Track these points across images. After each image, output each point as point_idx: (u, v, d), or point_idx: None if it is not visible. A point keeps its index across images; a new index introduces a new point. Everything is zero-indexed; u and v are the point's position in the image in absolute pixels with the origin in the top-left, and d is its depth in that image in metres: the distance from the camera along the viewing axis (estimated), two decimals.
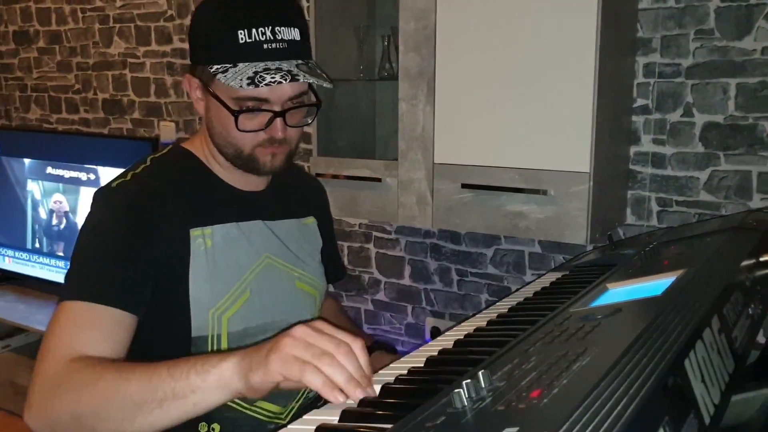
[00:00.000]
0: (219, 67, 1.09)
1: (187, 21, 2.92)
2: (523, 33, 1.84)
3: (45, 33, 3.51)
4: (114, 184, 1.14)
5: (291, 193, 1.34)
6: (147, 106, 3.20)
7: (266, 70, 1.06)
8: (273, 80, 1.05)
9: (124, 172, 1.17)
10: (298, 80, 1.08)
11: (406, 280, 2.61)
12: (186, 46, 2.99)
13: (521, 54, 1.85)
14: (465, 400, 0.66)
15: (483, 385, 0.69)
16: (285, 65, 1.08)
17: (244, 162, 1.16)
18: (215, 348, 1.15)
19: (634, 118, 2.09)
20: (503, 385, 0.69)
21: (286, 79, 1.06)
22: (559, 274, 1.41)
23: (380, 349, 1.37)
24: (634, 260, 1.25)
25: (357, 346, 0.82)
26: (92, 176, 2.95)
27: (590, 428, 0.54)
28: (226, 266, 1.16)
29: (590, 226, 1.84)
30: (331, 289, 1.54)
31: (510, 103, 1.88)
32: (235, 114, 1.10)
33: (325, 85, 1.13)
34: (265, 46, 1.08)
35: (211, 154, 1.21)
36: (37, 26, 3.53)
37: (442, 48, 1.96)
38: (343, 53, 2.29)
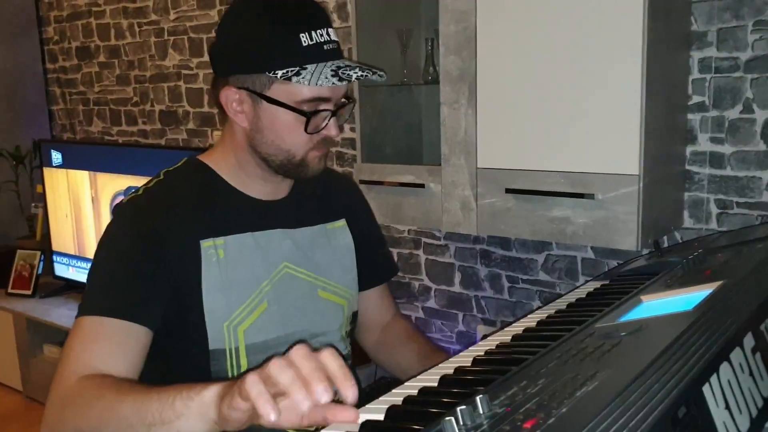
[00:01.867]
0: (287, 71, 1.08)
1: None
2: (566, 31, 1.77)
3: (105, 48, 3.62)
4: (126, 200, 1.16)
5: (316, 198, 1.31)
6: (201, 117, 3.25)
7: (339, 68, 1.10)
8: (358, 75, 1.10)
9: (139, 187, 1.18)
10: (367, 75, 1.12)
11: (457, 287, 2.56)
12: None
13: (564, 53, 1.78)
14: (456, 428, 0.62)
15: (481, 412, 0.65)
16: (344, 63, 1.12)
17: (294, 167, 1.16)
18: (234, 361, 1.13)
19: (690, 116, 1.98)
20: (502, 412, 0.65)
21: (363, 71, 1.11)
22: (598, 284, 1.34)
23: None
24: (677, 269, 1.17)
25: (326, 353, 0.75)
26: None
27: None
28: (241, 277, 1.15)
29: (641, 230, 1.75)
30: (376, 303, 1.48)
31: (553, 105, 1.81)
32: (308, 115, 1.11)
33: (381, 77, 1.16)
34: (325, 47, 1.11)
35: (239, 165, 1.19)
36: (98, 41, 3.65)
37: (483, 50, 1.91)
38: (386, 57, 2.26)
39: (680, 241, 2.02)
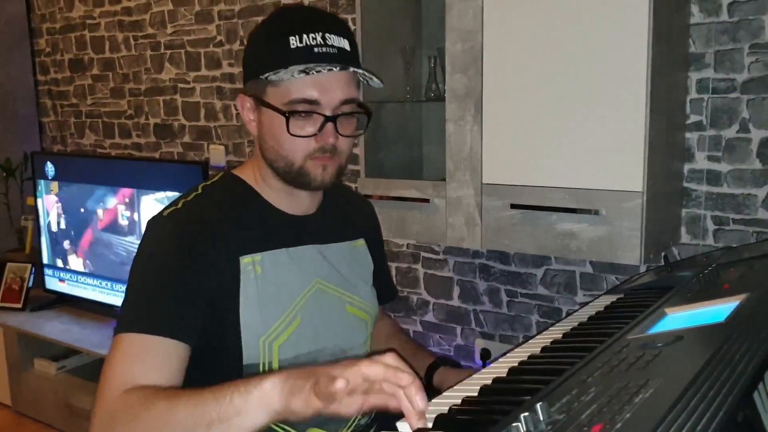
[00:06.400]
0: (271, 72, 1.10)
1: (236, 46, 2.98)
2: (572, 50, 1.82)
3: (99, 60, 3.62)
4: (166, 213, 1.15)
5: (341, 216, 1.34)
6: (197, 130, 3.26)
7: (318, 64, 1.09)
8: (324, 68, 1.08)
9: (176, 200, 1.18)
10: (347, 69, 1.11)
11: (455, 301, 2.59)
12: (235, 70, 3.04)
13: (570, 72, 1.83)
14: None
15: (541, 418, 0.67)
16: (339, 66, 1.11)
17: (295, 175, 1.16)
18: None
19: (688, 134, 2.04)
20: (562, 418, 0.67)
21: (336, 68, 1.09)
22: (613, 298, 1.38)
23: (444, 365, 1.35)
24: (692, 283, 1.21)
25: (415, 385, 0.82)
26: (142, 200, 3.01)
27: None
28: (276, 293, 1.16)
29: (644, 245, 1.80)
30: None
31: (559, 122, 1.86)
32: (287, 115, 1.10)
33: (375, 82, 1.16)
34: (315, 49, 1.10)
35: (263, 178, 1.21)
36: (92, 54, 3.64)
37: (489, 68, 1.95)
38: (389, 74, 2.30)
39: (678, 257, 2.07)
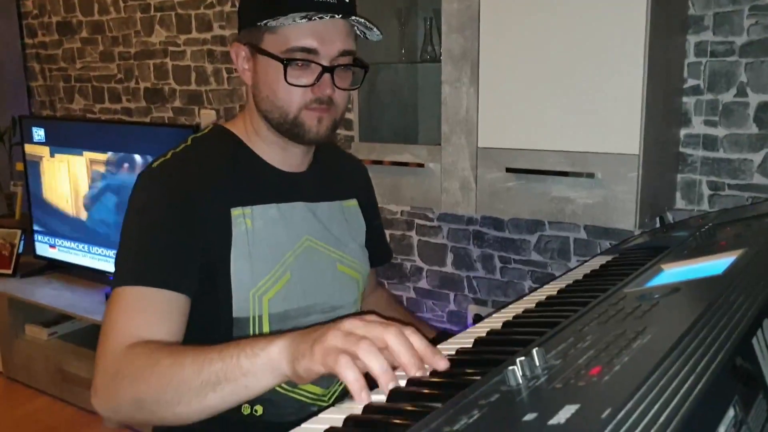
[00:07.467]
0: (270, 18, 1.08)
1: (227, 8, 2.93)
2: (570, 11, 1.79)
3: (88, 23, 3.56)
4: (155, 165, 1.14)
5: (333, 175, 1.32)
6: (188, 95, 3.22)
7: (318, 12, 1.07)
8: (326, 16, 1.06)
9: (165, 152, 1.16)
10: (348, 18, 1.11)
11: (449, 268, 2.58)
12: (227, 32, 2.99)
13: (568, 33, 1.80)
14: (519, 377, 0.63)
15: (537, 363, 0.66)
16: (339, 16, 1.10)
17: (290, 126, 1.14)
18: (256, 330, 1.14)
19: (685, 99, 2.02)
20: (558, 363, 0.66)
21: (337, 15, 1.08)
22: (608, 257, 1.37)
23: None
24: (688, 241, 1.20)
25: (408, 330, 0.79)
26: (135, 165, 2.98)
27: (657, 405, 0.51)
28: (266, 247, 1.14)
29: (639, 210, 1.79)
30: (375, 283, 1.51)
31: (556, 84, 1.83)
32: (285, 63, 1.08)
33: (374, 34, 1.15)
34: None
35: (255, 131, 1.19)
36: (80, 16, 3.58)
37: (486, 28, 1.92)
38: (384, 36, 2.25)
39: (673, 221, 2.06)
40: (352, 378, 0.74)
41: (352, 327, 0.79)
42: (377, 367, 0.74)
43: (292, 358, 0.82)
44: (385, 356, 0.76)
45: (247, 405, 1.16)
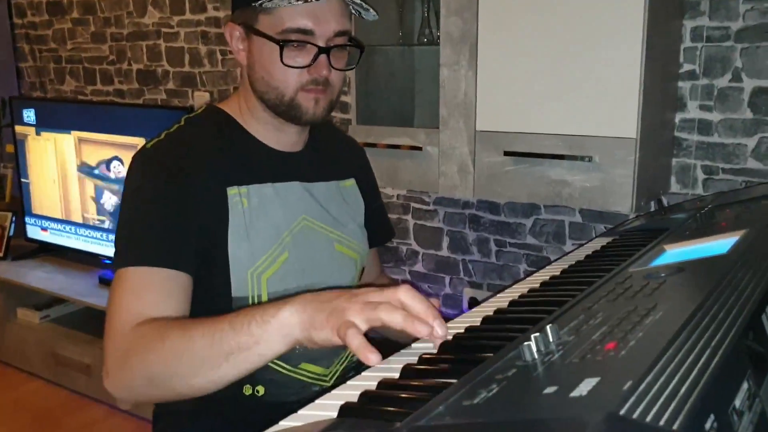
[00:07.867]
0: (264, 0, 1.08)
1: None
2: None
3: (79, 3, 3.52)
4: (149, 145, 1.14)
5: (330, 155, 1.32)
6: (181, 76, 3.20)
7: None
8: None
9: (159, 133, 1.16)
10: None
11: (444, 251, 2.60)
12: (221, 14, 2.97)
13: (567, 17, 1.80)
14: (535, 353, 0.64)
15: (551, 339, 0.67)
16: None
17: (286, 108, 1.14)
18: None
19: (681, 83, 2.04)
20: (572, 339, 0.67)
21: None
22: (608, 239, 1.38)
23: None
24: (688, 223, 1.22)
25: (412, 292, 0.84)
26: (128, 147, 2.96)
27: (677, 378, 0.52)
28: (263, 226, 1.15)
29: (636, 193, 1.80)
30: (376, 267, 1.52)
31: (554, 68, 1.84)
32: (281, 44, 1.08)
33: (369, 14, 1.15)
34: None
35: (250, 111, 1.19)
36: None
37: (485, 11, 1.92)
38: (381, 19, 2.24)
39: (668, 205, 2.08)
40: (356, 344, 0.78)
41: (366, 296, 0.82)
42: (400, 321, 0.80)
43: (308, 326, 0.83)
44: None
45: (248, 385, 1.17)
